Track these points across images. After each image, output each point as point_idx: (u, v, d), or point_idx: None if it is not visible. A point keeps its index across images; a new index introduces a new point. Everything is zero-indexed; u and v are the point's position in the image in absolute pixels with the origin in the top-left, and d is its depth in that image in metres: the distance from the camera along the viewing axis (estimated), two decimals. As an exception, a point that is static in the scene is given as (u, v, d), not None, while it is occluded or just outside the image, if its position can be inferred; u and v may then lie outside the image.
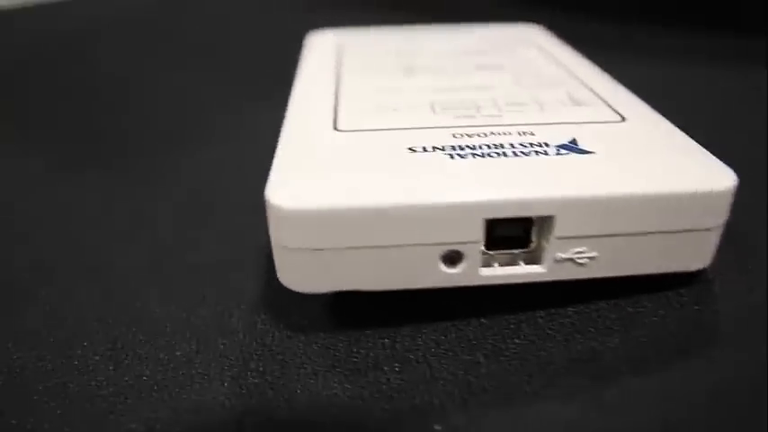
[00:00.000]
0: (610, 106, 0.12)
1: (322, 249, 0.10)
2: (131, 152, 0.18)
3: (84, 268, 0.13)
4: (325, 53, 0.17)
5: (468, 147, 0.11)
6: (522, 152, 0.10)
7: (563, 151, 0.10)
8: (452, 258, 0.10)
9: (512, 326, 0.10)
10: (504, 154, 0.10)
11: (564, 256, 0.10)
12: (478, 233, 0.10)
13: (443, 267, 0.10)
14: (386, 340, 0.10)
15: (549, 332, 0.10)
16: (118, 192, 0.16)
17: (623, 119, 0.12)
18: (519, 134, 0.11)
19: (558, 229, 0.10)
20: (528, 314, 0.11)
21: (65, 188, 0.16)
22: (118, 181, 0.16)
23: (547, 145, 0.11)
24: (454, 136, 0.11)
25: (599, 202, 0.09)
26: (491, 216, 0.09)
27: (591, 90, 0.13)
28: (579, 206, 0.09)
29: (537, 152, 0.10)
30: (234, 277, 0.12)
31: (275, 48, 0.26)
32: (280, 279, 0.10)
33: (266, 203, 0.10)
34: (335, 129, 0.12)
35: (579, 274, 0.10)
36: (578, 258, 0.10)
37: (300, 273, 0.10)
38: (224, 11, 0.35)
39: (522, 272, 0.10)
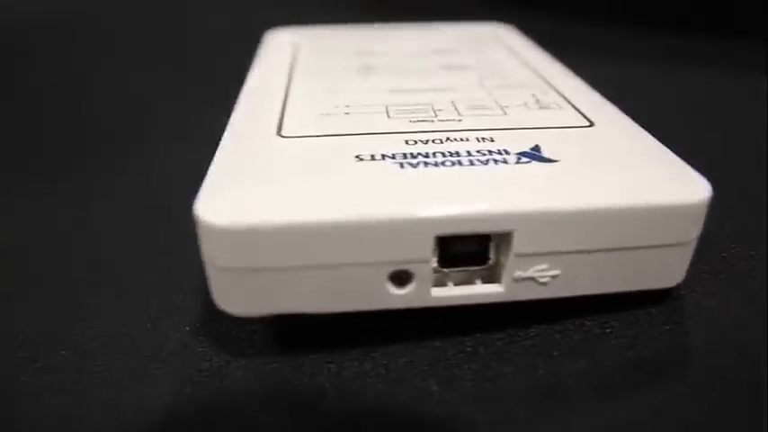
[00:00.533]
0: (577, 110, 0.11)
1: (257, 269, 0.09)
2: (73, 155, 0.17)
3: (14, 282, 0.12)
4: (278, 53, 0.16)
5: (420, 155, 0.10)
6: (479, 161, 0.10)
7: (524, 159, 0.10)
8: (401, 278, 0.09)
9: (468, 349, 0.10)
10: (460, 163, 0.09)
11: (524, 274, 0.09)
12: (429, 251, 0.09)
13: (391, 288, 0.09)
14: (332, 365, 0.09)
15: (508, 356, 0.09)
16: (54, 201, 0.15)
17: (591, 123, 0.11)
18: (477, 140, 0.10)
19: (517, 245, 0.09)
20: (486, 336, 0.10)
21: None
22: (53, 189, 0.15)
23: (507, 152, 0.10)
24: (407, 142, 0.10)
25: (561, 217, 0.09)
26: (443, 232, 0.09)
27: (558, 93, 0.12)
28: (539, 221, 0.09)
29: (495, 161, 0.10)
30: (174, 297, 0.11)
31: (235, 46, 0.25)
32: (215, 301, 0.09)
33: (195, 218, 0.09)
34: (279, 135, 0.11)
35: (540, 293, 0.09)
36: (539, 277, 0.09)
37: (236, 294, 0.09)
38: (182, 6, 0.34)
39: (479, 291, 0.09)
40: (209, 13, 0.33)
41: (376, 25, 0.19)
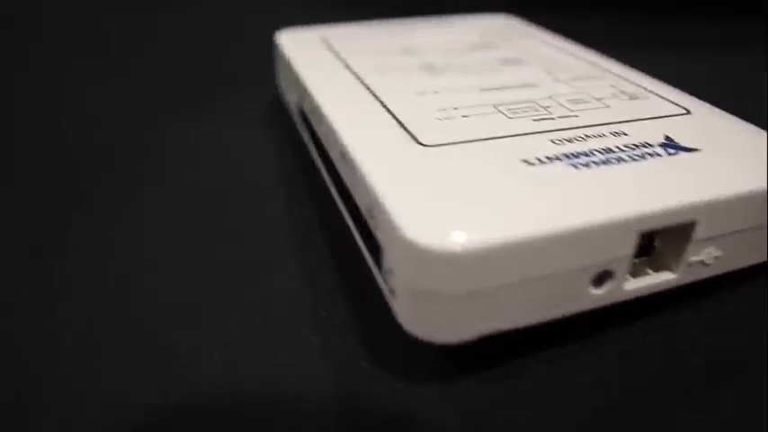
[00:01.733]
0: (664, 98, 0.12)
1: (472, 291, 0.08)
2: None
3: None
4: (317, 54, 0.15)
5: (582, 154, 0.10)
6: (636, 155, 0.10)
7: (671, 150, 0.10)
8: (601, 278, 0.09)
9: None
10: (622, 159, 0.10)
11: (696, 259, 0.10)
12: (631, 248, 0.09)
13: (591, 289, 0.09)
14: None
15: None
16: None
17: (688, 111, 0.12)
18: (613, 135, 0.11)
19: (699, 232, 0.09)
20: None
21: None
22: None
23: (650, 145, 0.10)
24: (554, 142, 0.10)
25: (739, 201, 0.09)
26: (645, 228, 0.09)
27: (630, 81, 0.13)
28: (721, 208, 0.09)
29: (650, 154, 0.10)
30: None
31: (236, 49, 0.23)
32: (406, 327, 0.09)
33: (403, 243, 0.08)
34: (420, 144, 0.10)
35: (703, 274, 0.10)
36: (707, 259, 0.10)
37: (438, 320, 0.09)
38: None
39: (659, 280, 0.10)
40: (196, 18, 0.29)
41: (385, 21, 0.18)
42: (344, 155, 0.11)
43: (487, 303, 0.09)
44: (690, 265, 0.10)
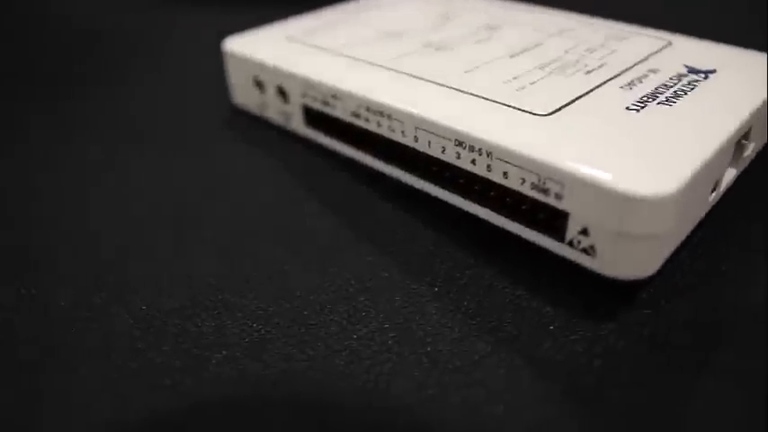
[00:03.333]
0: (642, 35, 0.15)
1: (667, 227, 0.10)
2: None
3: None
4: (305, 51, 0.15)
5: (656, 93, 0.12)
6: (689, 84, 0.12)
7: (701, 75, 0.12)
8: (714, 188, 0.11)
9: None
10: (685, 90, 0.12)
11: (746, 154, 0.12)
12: (730, 156, 0.11)
13: (709, 196, 0.11)
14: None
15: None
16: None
17: (669, 43, 0.14)
18: (652, 73, 0.13)
19: (753, 130, 0.12)
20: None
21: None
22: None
23: (685, 75, 0.12)
24: (623, 88, 0.12)
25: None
26: (741, 134, 0.11)
27: (598, 26, 0.15)
28: (762, 109, 0.12)
29: (695, 81, 0.12)
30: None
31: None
32: (608, 273, 0.10)
33: (613, 195, 0.09)
34: (538, 114, 0.11)
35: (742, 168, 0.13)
36: (749, 153, 0.12)
37: (638, 258, 0.10)
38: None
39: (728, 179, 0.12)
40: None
41: (324, 10, 0.18)
42: (464, 143, 0.11)
43: (673, 234, 0.10)
44: (743, 159, 0.12)
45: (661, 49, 0.14)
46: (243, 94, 0.17)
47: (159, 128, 0.17)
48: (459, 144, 0.11)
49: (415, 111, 0.12)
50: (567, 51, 0.14)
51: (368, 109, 0.13)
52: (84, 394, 0.10)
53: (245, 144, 0.16)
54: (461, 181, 0.12)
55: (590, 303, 0.11)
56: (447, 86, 0.12)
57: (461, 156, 0.11)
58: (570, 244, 0.10)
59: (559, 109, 0.11)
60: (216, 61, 0.20)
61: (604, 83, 0.12)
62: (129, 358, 0.10)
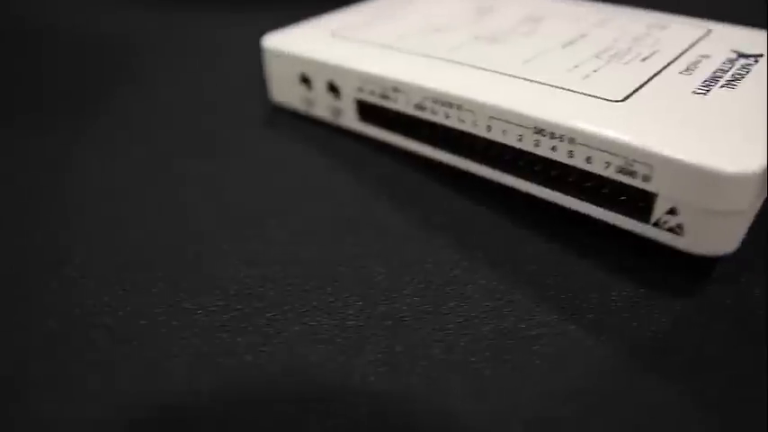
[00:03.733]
0: (682, 24, 0.15)
1: (751, 204, 0.10)
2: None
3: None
4: (355, 46, 0.15)
5: (714, 78, 0.12)
6: (744, 69, 0.13)
7: (752, 60, 0.13)
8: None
9: None
10: (742, 74, 0.12)
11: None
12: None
13: None
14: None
15: None
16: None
17: (709, 30, 0.15)
18: (705, 58, 0.13)
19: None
20: None
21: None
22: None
23: (736, 60, 0.13)
24: (683, 74, 0.12)
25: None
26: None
27: (636, 17, 0.16)
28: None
29: (748, 65, 0.13)
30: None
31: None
32: (697, 251, 0.10)
33: (704, 174, 0.10)
34: (615, 101, 0.11)
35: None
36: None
37: (725, 235, 0.10)
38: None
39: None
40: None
41: (356, 6, 0.18)
42: (543, 131, 0.11)
43: (755, 209, 0.11)
44: None
45: (704, 36, 0.14)
46: (285, 92, 0.17)
47: (203, 131, 0.17)
48: (539, 131, 0.11)
49: (488, 100, 0.12)
50: (615, 40, 0.14)
51: (434, 100, 0.13)
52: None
53: (295, 142, 0.16)
54: (537, 168, 0.12)
55: (670, 280, 0.11)
56: (513, 76, 0.13)
57: (540, 143, 0.12)
58: (656, 224, 0.11)
59: (631, 94, 0.12)
60: (242, 59, 0.20)
61: (663, 69, 0.13)
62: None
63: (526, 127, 0.12)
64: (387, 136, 0.15)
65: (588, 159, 0.11)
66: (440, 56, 0.14)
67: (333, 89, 0.15)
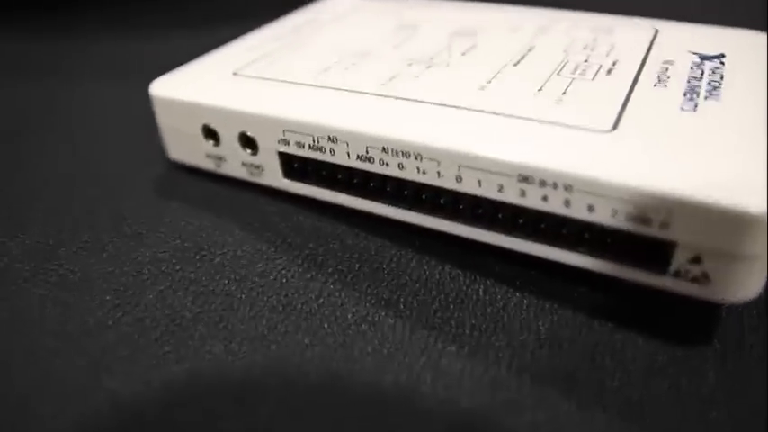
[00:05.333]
0: (625, 27, 0.14)
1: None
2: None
3: None
4: (267, 90, 0.12)
5: (694, 88, 0.11)
6: (716, 73, 0.11)
7: (717, 62, 0.12)
8: None
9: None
10: (717, 80, 0.11)
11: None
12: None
13: None
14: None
15: None
16: None
17: (657, 30, 0.13)
18: (668, 64, 0.12)
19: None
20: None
21: None
22: None
23: (702, 63, 0.12)
24: (657, 86, 0.11)
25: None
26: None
27: (577, 17, 0.14)
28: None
29: (717, 68, 0.11)
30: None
31: None
32: (725, 298, 0.09)
33: (735, 216, 0.08)
34: (602, 131, 0.10)
35: None
36: None
37: (752, 280, 0.09)
38: None
39: None
40: None
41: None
42: (530, 178, 0.09)
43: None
44: None
45: (654, 38, 0.13)
46: (184, 149, 0.13)
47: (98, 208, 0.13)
48: (524, 180, 0.09)
49: (454, 146, 0.10)
50: (567, 52, 0.13)
51: (384, 150, 0.10)
52: None
53: (204, 210, 0.13)
54: (520, 221, 0.10)
55: (685, 329, 0.10)
56: (473, 109, 0.11)
57: (527, 193, 0.09)
58: (676, 275, 0.09)
59: (618, 121, 0.10)
60: (121, 109, 0.16)
61: (634, 83, 0.11)
62: None
63: (508, 175, 0.10)
64: (319, 193, 0.12)
65: (590, 208, 0.09)
66: (375, 91, 0.12)
67: (248, 142, 0.12)
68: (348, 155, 0.11)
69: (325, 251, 0.12)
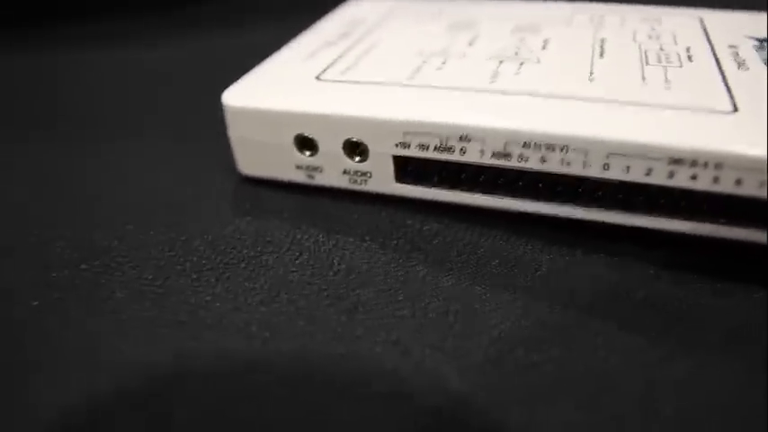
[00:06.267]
0: (672, 16, 0.15)
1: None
2: None
3: None
4: (354, 93, 0.12)
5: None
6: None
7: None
8: None
9: None
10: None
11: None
12: None
13: None
14: None
15: None
16: None
17: (702, 19, 0.15)
18: (732, 49, 0.13)
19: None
20: None
21: None
22: None
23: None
24: (738, 69, 0.12)
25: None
26: None
27: (620, 9, 0.15)
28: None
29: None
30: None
31: None
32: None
33: None
34: (728, 112, 0.10)
35: None
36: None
37: None
38: None
39: None
40: None
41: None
42: (682, 160, 0.10)
43: None
44: None
45: (705, 26, 0.14)
46: (266, 162, 0.13)
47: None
48: (675, 162, 0.10)
49: (604, 134, 0.10)
50: (637, 42, 0.13)
51: (525, 145, 0.11)
52: None
53: (308, 224, 0.12)
54: (662, 201, 0.11)
55: None
56: (597, 100, 0.11)
57: (676, 174, 0.10)
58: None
59: (735, 102, 0.11)
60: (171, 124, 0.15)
61: (719, 67, 0.12)
62: None
63: (658, 159, 0.10)
64: (437, 195, 0.12)
65: (738, 182, 0.10)
66: (487, 87, 0.12)
67: (354, 149, 0.12)
68: (482, 152, 0.11)
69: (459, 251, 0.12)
